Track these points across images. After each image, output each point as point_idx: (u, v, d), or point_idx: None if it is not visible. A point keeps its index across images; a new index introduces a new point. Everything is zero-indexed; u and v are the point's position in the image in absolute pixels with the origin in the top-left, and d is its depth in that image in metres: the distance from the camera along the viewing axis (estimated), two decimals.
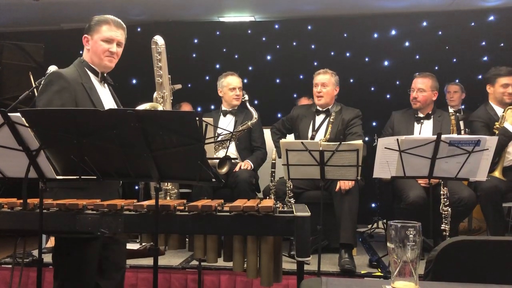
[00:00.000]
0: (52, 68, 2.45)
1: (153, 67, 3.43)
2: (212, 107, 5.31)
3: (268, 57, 5.92)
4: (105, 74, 2.38)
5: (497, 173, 3.57)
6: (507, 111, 3.72)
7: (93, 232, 1.91)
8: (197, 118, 1.59)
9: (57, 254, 2.21)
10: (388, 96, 5.65)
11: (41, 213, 1.81)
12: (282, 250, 1.99)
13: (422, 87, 3.79)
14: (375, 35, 5.70)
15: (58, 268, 2.20)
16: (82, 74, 2.29)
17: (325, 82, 3.79)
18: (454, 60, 5.52)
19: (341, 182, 3.38)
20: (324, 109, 3.85)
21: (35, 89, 2.37)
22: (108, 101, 2.37)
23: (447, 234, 3.15)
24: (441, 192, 3.25)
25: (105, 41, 2.31)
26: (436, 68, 5.24)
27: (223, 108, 4.12)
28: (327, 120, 3.79)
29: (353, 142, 2.86)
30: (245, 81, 5.29)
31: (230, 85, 4.04)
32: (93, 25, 2.32)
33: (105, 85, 2.41)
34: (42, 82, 2.25)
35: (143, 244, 3.46)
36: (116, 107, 2.42)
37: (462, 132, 4.24)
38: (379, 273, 3.18)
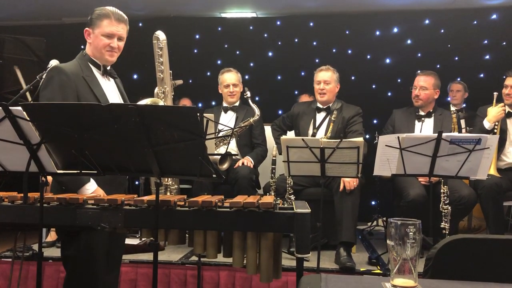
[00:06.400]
0: (54, 62, 2.44)
1: (154, 62, 3.43)
2: (213, 103, 5.31)
3: (270, 54, 5.90)
4: (108, 68, 2.36)
5: (492, 171, 3.55)
6: (489, 108, 3.72)
7: (93, 226, 1.92)
8: (198, 114, 1.58)
9: (64, 246, 2.20)
10: (389, 93, 5.64)
11: (41, 207, 1.81)
12: (281, 246, 1.99)
13: (424, 85, 3.77)
14: (377, 33, 5.69)
15: (66, 260, 2.20)
16: (84, 68, 2.27)
17: (328, 80, 3.76)
18: (456, 58, 5.50)
19: (345, 181, 3.35)
20: (324, 107, 3.84)
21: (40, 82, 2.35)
22: (112, 94, 2.35)
23: (447, 232, 3.16)
24: (441, 191, 3.26)
25: (106, 36, 2.27)
26: (438, 66, 5.21)
27: (224, 104, 4.12)
28: (328, 118, 3.78)
29: (354, 140, 2.86)
30: (246, 77, 5.28)
31: (225, 82, 4.04)
32: (94, 19, 2.29)
33: (110, 78, 2.39)
34: (43, 77, 2.25)
35: (143, 239, 3.47)
36: (121, 100, 2.41)
37: (463, 130, 4.23)
38: (379, 271, 3.18)
